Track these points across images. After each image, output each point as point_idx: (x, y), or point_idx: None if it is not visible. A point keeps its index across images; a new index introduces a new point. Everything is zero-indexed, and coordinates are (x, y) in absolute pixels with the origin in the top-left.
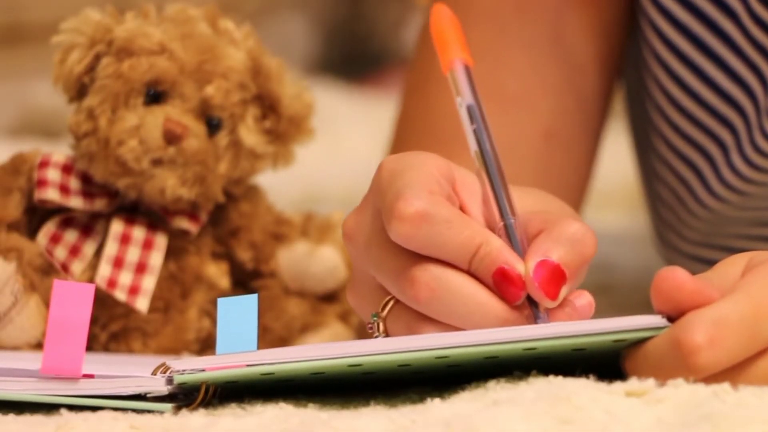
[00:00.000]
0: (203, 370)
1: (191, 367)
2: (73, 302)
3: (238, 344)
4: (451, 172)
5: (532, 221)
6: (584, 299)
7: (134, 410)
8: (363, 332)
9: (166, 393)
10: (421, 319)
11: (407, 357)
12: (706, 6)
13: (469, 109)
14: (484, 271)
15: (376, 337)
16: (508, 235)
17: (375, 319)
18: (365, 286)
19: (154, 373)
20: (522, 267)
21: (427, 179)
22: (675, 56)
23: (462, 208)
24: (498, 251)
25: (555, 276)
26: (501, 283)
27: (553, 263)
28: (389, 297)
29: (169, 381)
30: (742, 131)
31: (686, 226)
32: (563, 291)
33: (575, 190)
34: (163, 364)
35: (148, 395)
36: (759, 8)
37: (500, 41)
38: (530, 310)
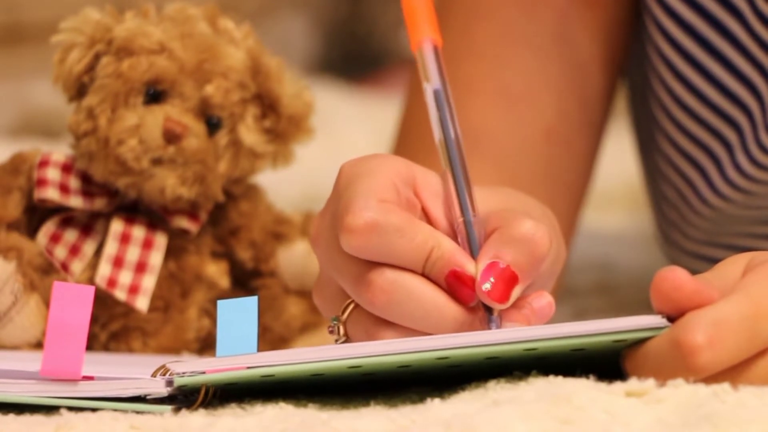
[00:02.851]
0: (203, 373)
1: (191, 370)
2: (73, 304)
3: (238, 346)
4: (412, 175)
5: (491, 220)
6: (544, 300)
7: (134, 410)
8: None
9: (166, 395)
10: (379, 323)
11: (408, 358)
12: (711, 5)
13: (436, 93)
14: (437, 274)
15: (337, 340)
16: (467, 231)
17: (335, 322)
18: (329, 289)
19: (153, 375)
20: (474, 268)
21: (381, 186)
22: (680, 55)
23: (424, 210)
24: (450, 254)
25: (504, 278)
26: (454, 285)
27: (502, 265)
28: (349, 300)
29: (169, 383)
30: (747, 130)
31: (690, 225)
32: (515, 292)
33: (576, 189)
34: (163, 366)
35: (148, 397)
36: (765, 7)
37: (505, 39)
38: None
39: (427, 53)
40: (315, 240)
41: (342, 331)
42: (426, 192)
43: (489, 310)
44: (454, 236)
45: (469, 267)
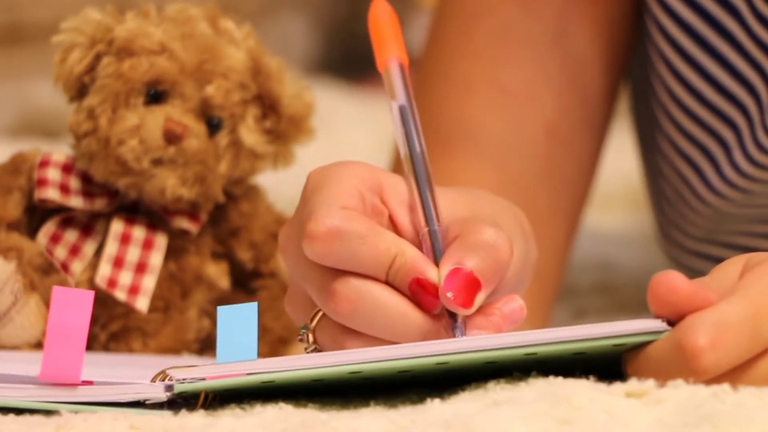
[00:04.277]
0: (203, 379)
1: (191, 376)
2: (73, 308)
3: (239, 352)
4: (378, 181)
5: (452, 228)
6: (515, 304)
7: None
8: None
9: (165, 400)
10: (346, 332)
11: (408, 364)
12: (710, 5)
13: (401, 110)
14: (400, 281)
15: (306, 348)
16: (432, 241)
17: (304, 330)
18: (298, 297)
19: (153, 381)
20: (437, 275)
21: (345, 193)
22: (678, 54)
23: (391, 217)
24: (413, 261)
25: (467, 284)
26: (417, 293)
27: (465, 271)
28: (318, 308)
29: (168, 388)
30: (745, 129)
31: (690, 223)
32: (479, 298)
33: (578, 187)
34: (162, 372)
35: (147, 402)
36: (762, 7)
37: (504, 38)
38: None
39: (394, 71)
40: (284, 249)
41: (311, 339)
42: (393, 198)
43: (453, 316)
44: (420, 243)
45: (432, 274)
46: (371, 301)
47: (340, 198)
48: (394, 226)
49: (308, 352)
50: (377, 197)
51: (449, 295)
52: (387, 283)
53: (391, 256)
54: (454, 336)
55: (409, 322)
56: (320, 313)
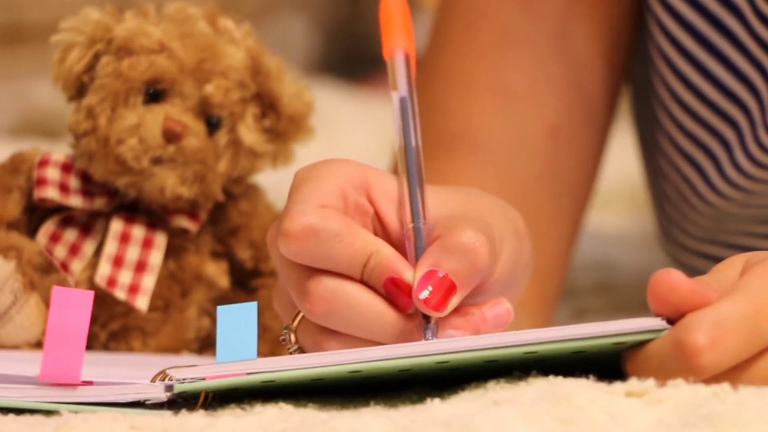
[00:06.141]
0: (203, 379)
1: (191, 376)
2: (72, 308)
3: (238, 352)
4: (365, 179)
5: (436, 227)
6: (501, 307)
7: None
8: None
9: (165, 400)
10: (324, 332)
11: (408, 363)
12: (711, 4)
13: (402, 102)
14: (375, 280)
15: (289, 349)
16: (416, 238)
17: (286, 331)
18: (284, 296)
19: (153, 381)
20: (411, 275)
21: (324, 191)
22: (679, 54)
23: (378, 214)
24: (388, 260)
25: (442, 286)
26: (391, 292)
27: (440, 274)
28: (299, 309)
29: (168, 388)
30: (746, 129)
31: (691, 223)
32: (453, 301)
33: (580, 188)
34: (162, 372)
35: (147, 402)
36: (764, 6)
37: (505, 38)
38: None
39: (398, 62)
40: (270, 247)
41: (293, 339)
42: (380, 196)
43: (427, 317)
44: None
45: (407, 274)
46: (345, 301)
47: (318, 196)
48: (381, 224)
49: (291, 353)
50: (363, 195)
51: (422, 296)
52: (362, 282)
53: (366, 254)
54: (424, 337)
55: (383, 321)
56: (301, 314)
